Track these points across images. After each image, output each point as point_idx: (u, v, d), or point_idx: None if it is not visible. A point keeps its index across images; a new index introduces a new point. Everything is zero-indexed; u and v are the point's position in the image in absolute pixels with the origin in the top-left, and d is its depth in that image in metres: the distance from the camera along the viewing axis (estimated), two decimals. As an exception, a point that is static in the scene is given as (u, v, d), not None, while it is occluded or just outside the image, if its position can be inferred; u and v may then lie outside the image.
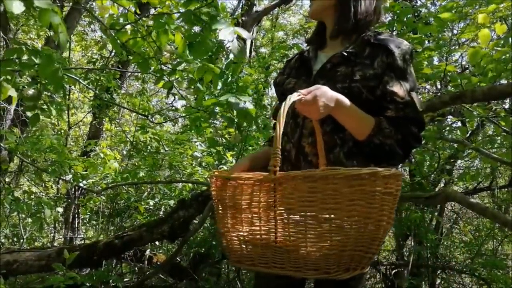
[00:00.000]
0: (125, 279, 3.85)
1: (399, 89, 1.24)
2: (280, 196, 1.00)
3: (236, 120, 1.63)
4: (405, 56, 1.27)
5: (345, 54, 1.30)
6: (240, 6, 7.91)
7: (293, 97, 1.07)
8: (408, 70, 1.28)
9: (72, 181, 3.62)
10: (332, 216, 0.94)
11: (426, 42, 2.96)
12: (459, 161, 5.03)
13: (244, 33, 1.34)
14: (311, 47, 1.46)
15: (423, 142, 3.92)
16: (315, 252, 0.96)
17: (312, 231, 0.96)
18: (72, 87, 4.98)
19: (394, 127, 1.24)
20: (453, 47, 3.01)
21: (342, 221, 0.94)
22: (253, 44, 8.65)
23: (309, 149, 1.32)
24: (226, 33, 1.30)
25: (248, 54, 7.04)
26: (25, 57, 1.71)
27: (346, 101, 1.20)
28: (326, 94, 1.15)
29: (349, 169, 0.94)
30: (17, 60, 1.73)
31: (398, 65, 1.26)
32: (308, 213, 0.96)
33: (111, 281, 3.27)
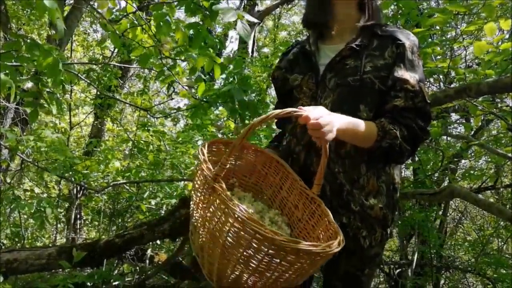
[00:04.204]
0: (127, 279, 3.82)
1: (410, 77, 1.24)
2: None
3: (239, 111, 1.60)
4: (413, 48, 1.28)
5: (355, 46, 1.27)
6: (242, 6, 7.90)
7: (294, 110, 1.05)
8: (416, 62, 1.28)
9: (73, 179, 3.59)
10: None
11: (430, 39, 2.93)
12: (463, 161, 5.00)
13: (247, 16, 1.32)
14: (311, 39, 1.39)
15: (428, 139, 3.91)
16: None
17: None
18: (74, 86, 4.97)
19: (398, 122, 1.22)
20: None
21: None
22: (255, 44, 8.63)
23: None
24: (229, 15, 1.28)
25: (250, 54, 7.02)
26: (25, 52, 1.69)
27: (346, 122, 1.15)
28: (331, 122, 1.08)
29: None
30: (15, 54, 1.70)
31: (408, 56, 1.26)
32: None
33: (112, 280, 3.24)
